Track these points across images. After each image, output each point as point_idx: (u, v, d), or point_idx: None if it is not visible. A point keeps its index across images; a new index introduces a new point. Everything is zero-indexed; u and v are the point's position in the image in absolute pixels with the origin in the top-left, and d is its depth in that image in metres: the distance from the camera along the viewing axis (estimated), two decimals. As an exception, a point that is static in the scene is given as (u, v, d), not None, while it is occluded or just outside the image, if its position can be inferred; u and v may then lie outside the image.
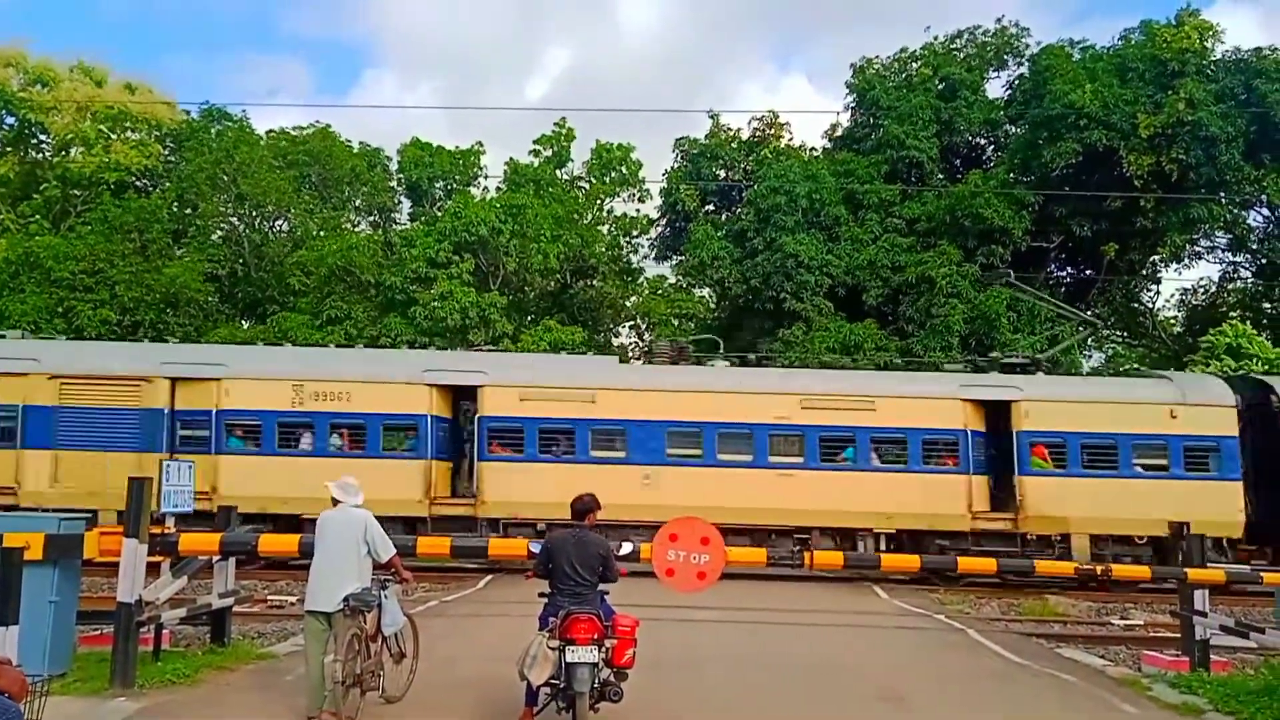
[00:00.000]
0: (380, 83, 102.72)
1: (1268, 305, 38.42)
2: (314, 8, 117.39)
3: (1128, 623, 15.86)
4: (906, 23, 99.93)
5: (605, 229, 38.13)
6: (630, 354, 37.04)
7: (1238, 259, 38.59)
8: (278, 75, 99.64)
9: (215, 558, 10.29)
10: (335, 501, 8.15)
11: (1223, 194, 30.03)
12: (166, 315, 30.42)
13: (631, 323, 39.38)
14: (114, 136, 35.81)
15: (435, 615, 13.24)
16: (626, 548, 8.52)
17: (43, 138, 36.91)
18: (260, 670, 9.80)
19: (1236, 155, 28.63)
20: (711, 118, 37.22)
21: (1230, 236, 36.51)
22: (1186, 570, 10.68)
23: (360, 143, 38.36)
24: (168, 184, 35.50)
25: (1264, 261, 36.91)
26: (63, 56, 37.89)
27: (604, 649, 7.23)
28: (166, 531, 9.87)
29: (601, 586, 7.65)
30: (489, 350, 25.25)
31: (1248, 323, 31.81)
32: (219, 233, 34.96)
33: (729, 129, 37.22)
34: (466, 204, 32.32)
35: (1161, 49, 29.75)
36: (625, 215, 38.70)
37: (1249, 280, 39.12)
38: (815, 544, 18.81)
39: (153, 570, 9.39)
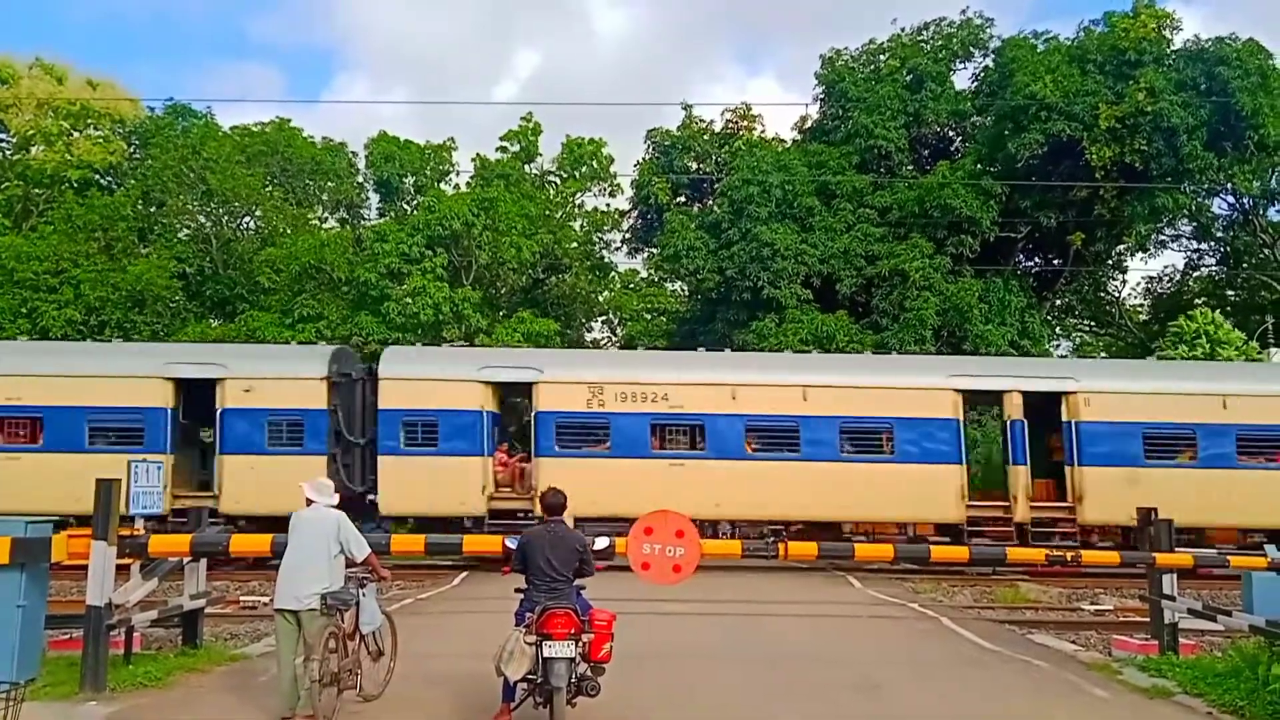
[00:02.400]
0: (351, 89, 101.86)
1: (1231, 292, 39.01)
2: (282, 14, 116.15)
3: (1098, 608, 16.08)
4: (873, 27, 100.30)
5: (577, 224, 38.06)
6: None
7: (1202, 247, 39.17)
8: (248, 81, 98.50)
9: (186, 559, 10.20)
10: (309, 502, 8.11)
11: (1187, 183, 30.37)
12: (133, 315, 30.03)
13: (604, 317, 39.37)
14: (76, 133, 35.25)
15: (411, 613, 13.17)
16: (602, 542, 8.52)
17: (2, 136, 36.29)
18: (233, 672, 9.71)
19: (1198, 145, 28.94)
20: (684, 109, 37.29)
21: (1195, 225, 37.02)
22: (1155, 555, 10.82)
23: (324, 138, 38.09)
24: (132, 181, 35.00)
25: (1227, 249, 37.47)
26: (22, 56, 37.28)
27: (581, 644, 7.22)
28: (136, 533, 9.75)
29: (577, 582, 7.65)
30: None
31: (1209, 310, 32.24)
32: (185, 230, 34.54)
33: (701, 120, 37.25)
34: (439, 198, 32.13)
35: (1120, 39, 30.05)
36: (596, 210, 38.68)
37: (1213, 268, 39.72)
38: None
39: (122, 572, 9.29)
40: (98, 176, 35.39)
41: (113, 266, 30.48)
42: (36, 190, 34.39)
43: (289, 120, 37.05)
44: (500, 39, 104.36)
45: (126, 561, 9.42)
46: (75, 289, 29.66)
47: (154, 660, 9.84)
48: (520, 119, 37.57)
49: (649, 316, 37.93)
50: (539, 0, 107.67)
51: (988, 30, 35.22)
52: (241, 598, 15.57)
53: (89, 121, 35.73)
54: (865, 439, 19.86)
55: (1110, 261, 36.32)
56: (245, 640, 11.96)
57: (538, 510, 18.60)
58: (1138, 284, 42.13)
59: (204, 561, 10.69)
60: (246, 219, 35.35)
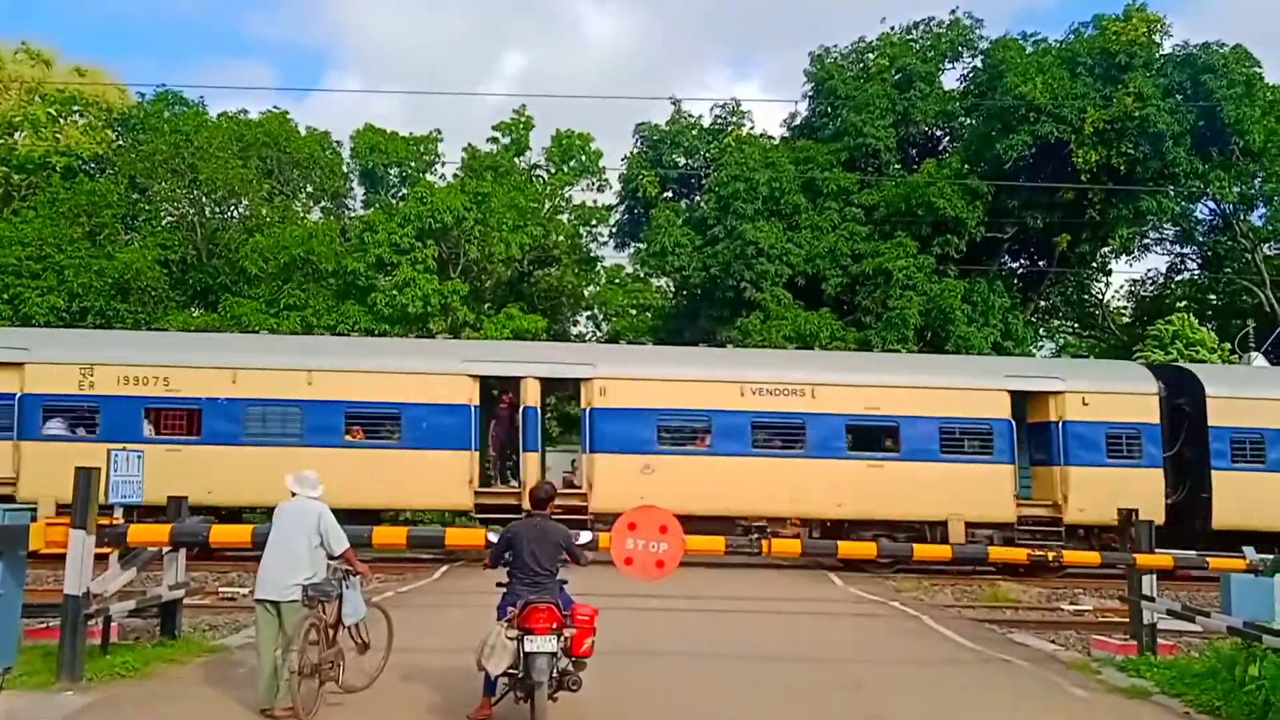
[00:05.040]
0: (341, 87, 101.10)
1: (1213, 296, 39.29)
2: (275, 13, 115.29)
3: (1077, 608, 16.16)
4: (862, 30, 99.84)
5: (565, 218, 37.95)
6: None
7: (1185, 251, 39.43)
8: (238, 78, 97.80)
9: (165, 549, 10.13)
10: (293, 494, 8.10)
11: (1171, 187, 30.57)
12: (116, 302, 29.79)
13: (589, 312, 39.28)
14: (63, 120, 34.87)
15: (391, 606, 13.03)
16: (585, 536, 8.51)
17: (-16, 120, 35.86)
18: (212, 663, 9.65)
19: (1183, 150, 29.13)
20: (673, 104, 37.16)
21: (1178, 229, 37.24)
22: (1135, 556, 10.89)
23: (308, 128, 37.81)
24: (117, 168, 34.63)
25: (1209, 254, 37.72)
26: (7, 40, 36.82)
27: (563, 638, 7.21)
28: (115, 523, 9.68)
29: (563, 575, 7.65)
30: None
31: (1191, 314, 32.47)
32: (169, 218, 34.25)
33: (690, 115, 37.15)
34: (430, 190, 32.00)
35: (1110, 42, 30.20)
36: (584, 204, 38.56)
37: (1196, 272, 39.98)
38: None
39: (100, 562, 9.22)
40: (82, 164, 35.01)
41: (97, 253, 30.20)
42: (18, 176, 33.98)
43: (287, 113, 36.81)
44: (489, 47, 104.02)
45: (105, 551, 9.36)
46: (59, 275, 29.37)
47: (132, 651, 9.75)
48: (513, 111, 37.49)
49: (634, 312, 37.88)
50: (528, 8, 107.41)
51: (976, 31, 35.36)
52: (220, 589, 15.48)
53: (76, 109, 35.35)
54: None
55: (1095, 264, 36.52)
56: (224, 631, 11.88)
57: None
58: (1121, 286, 42.44)
59: (183, 552, 10.62)
60: (233, 208, 35.06)
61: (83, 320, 28.24)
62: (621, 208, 37.61)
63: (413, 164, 36.67)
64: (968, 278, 30.84)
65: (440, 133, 37.21)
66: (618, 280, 39.05)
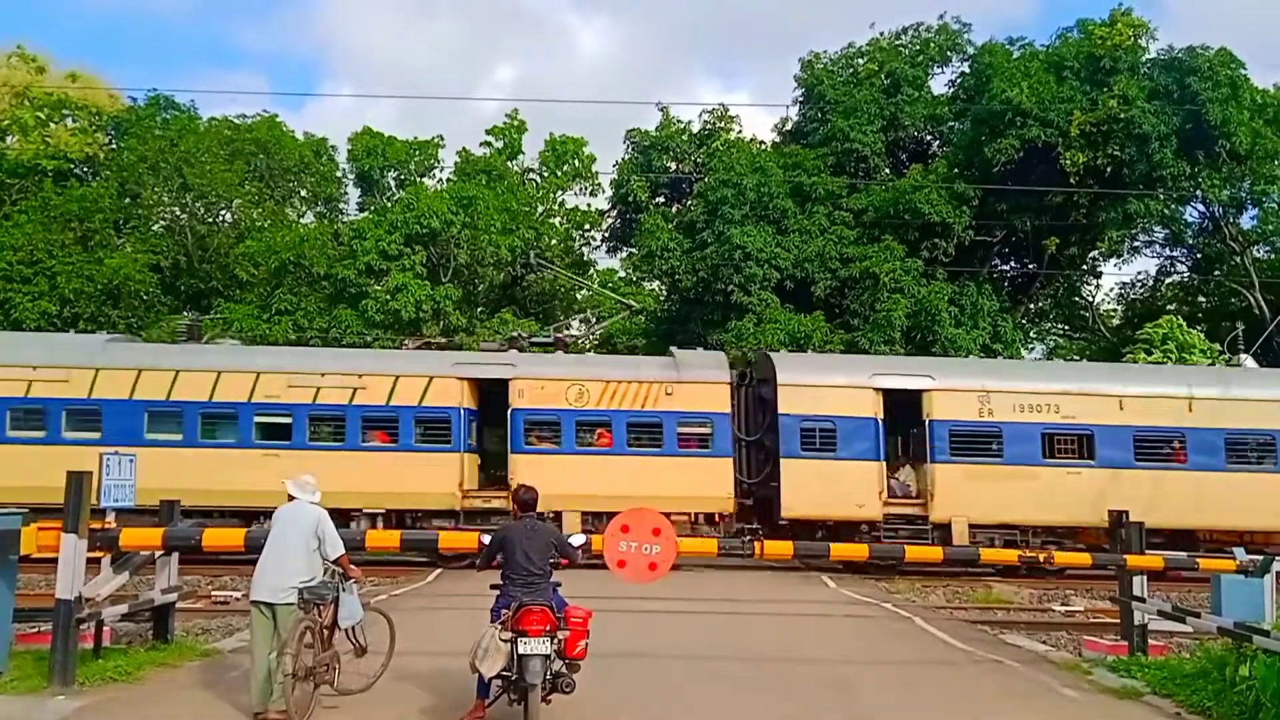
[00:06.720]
0: (335, 101, 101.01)
1: (1203, 299, 39.49)
2: (268, 26, 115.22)
3: (1068, 609, 16.21)
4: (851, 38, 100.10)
5: (557, 221, 38.03)
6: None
7: (1174, 253, 39.63)
8: (232, 89, 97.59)
9: (157, 553, 10.11)
10: (291, 498, 8.12)
11: (1160, 189, 30.73)
12: (107, 308, 29.71)
13: (582, 316, 39.32)
14: (53, 124, 34.80)
15: (385, 609, 13.11)
16: (578, 539, 8.52)
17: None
18: (205, 667, 9.63)
19: (1169, 152, 29.27)
20: (661, 110, 37.27)
21: (1167, 232, 37.44)
22: (1126, 557, 10.94)
23: (305, 133, 37.82)
24: (108, 172, 34.56)
25: (1199, 256, 37.93)
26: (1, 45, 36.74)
27: (556, 641, 7.23)
28: (107, 526, 9.65)
29: (556, 577, 7.67)
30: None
31: (1181, 316, 32.63)
32: (161, 223, 34.19)
33: (679, 120, 37.25)
34: (418, 195, 32.02)
35: (1096, 46, 30.38)
36: (577, 208, 38.67)
37: (1185, 274, 40.18)
38: None
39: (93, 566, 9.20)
40: (73, 167, 34.95)
41: (88, 259, 30.13)
42: (10, 180, 33.89)
43: (277, 117, 36.79)
44: (480, 59, 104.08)
45: (97, 555, 9.34)
46: (50, 281, 29.28)
47: (124, 655, 9.71)
48: (506, 115, 37.62)
49: (626, 315, 37.88)
50: (519, 21, 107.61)
51: (964, 36, 35.53)
52: (213, 592, 15.44)
53: (65, 112, 35.27)
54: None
55: (1084, 266, 36.69)
56: (217, 635, 11.85)
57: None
58: (1111, 289, 42.64)
59: (175, 555, 10.60)
60: (223, 213, 35.01)
61: (75, 326, 28.16)
62: (613, 213, 37.72)
63: (410, 168, 36.76)
64: (957, 281, 30.95)
65: (443, 138, 37.34)
66: (610, 284, 39.13)
